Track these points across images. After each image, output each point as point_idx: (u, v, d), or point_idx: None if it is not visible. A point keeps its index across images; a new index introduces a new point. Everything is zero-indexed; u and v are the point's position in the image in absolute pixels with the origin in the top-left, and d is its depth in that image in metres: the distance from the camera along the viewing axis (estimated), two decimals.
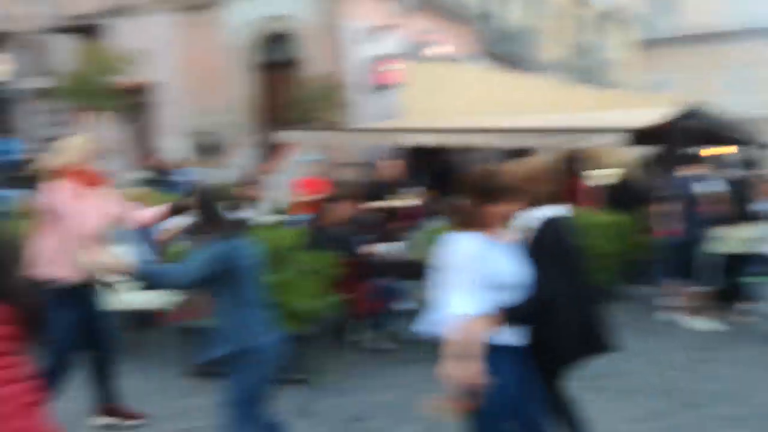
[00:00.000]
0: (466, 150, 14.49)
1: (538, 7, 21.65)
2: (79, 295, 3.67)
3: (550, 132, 9.41)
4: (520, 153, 11.01)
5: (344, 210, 5.77)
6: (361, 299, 5.26)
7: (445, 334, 2.48)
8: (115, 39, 17.73)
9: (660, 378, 5.12)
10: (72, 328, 3.59)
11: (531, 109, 12.24)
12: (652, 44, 29.09)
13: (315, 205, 5.98)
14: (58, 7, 18.78)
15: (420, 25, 16.61)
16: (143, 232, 6.35)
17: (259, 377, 3.04)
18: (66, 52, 17.08)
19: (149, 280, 3.03)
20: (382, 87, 15.47)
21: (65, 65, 15.92)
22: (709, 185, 6.84)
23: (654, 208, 7.43)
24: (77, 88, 15.30)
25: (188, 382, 4.69)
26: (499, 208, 2.59)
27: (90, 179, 3.68)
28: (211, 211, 3.07)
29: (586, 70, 23.43)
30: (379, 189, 7.69)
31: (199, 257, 2.93)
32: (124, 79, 16.05)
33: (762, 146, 14.98)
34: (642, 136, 9.93)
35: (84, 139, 3.70)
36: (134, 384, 4.67)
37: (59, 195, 3.53)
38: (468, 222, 2.60)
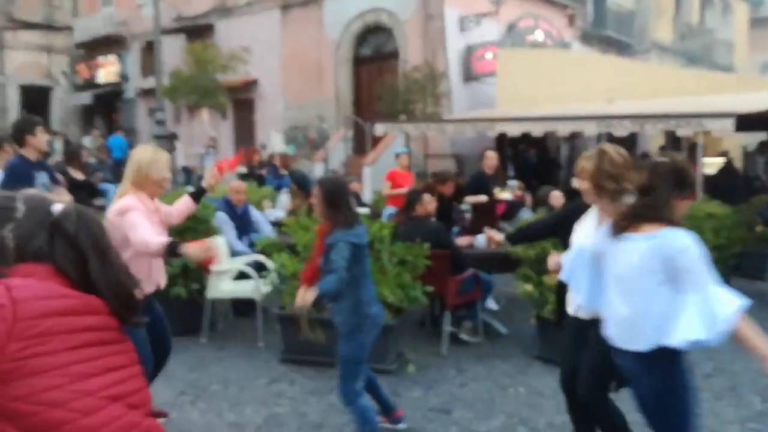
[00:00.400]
0: (566, 138, 14.11)
1: None
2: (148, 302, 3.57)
3: (653, 118, 8.96)
4: (622, 140, 10.61)
5: (434, 201, 5.81)
6: (450, 291, 5.28)
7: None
8: (222, 38, 18.59)
9: None
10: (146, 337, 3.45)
11: (634, 95, 11.73)
12: (766, 23, 26.94)
13: (405, 197, 6.03)
14: (170, 10, 19.87)
15: (518, 11, 16.25)
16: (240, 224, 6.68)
17: (370, 340, 3.45)
18: (176, 52, 18.05)
19: (326, 298, 3.36)
20: (479, 76, 15.29)
21: (175, 65, 16.81)
22: None
23: (764, 198, 6.94)
24: (185, 86, 16.13)
25: (278, 370, 4.90)
26: (685, 203, 2.54)
27: (155, 190, 3.56)
28: (337, 201, 3.34)
29: (693, 52, 22.04)
30: (480, 181, 7.59)
31: (337, 257, 3.22)
32: (230, 76, 16.82)
33: None
34: (754, 121, 9.29)
35: (154, 149, 3.58)
36: (224, 370, 4.95)
37: (129, 207, 3.37)
38: (658, 217, 2.43)
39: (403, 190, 8.55)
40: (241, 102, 19.02)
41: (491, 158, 7.63)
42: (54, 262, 1.32)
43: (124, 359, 1.37)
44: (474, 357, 5.21)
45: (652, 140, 15.27)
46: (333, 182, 3.59)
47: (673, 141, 13.66)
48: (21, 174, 4.28)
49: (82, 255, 1.33)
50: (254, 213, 7.02)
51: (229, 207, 6.61)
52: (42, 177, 4.42)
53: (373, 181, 13.19)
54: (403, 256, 4.98)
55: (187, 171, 16.31)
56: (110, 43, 23.21)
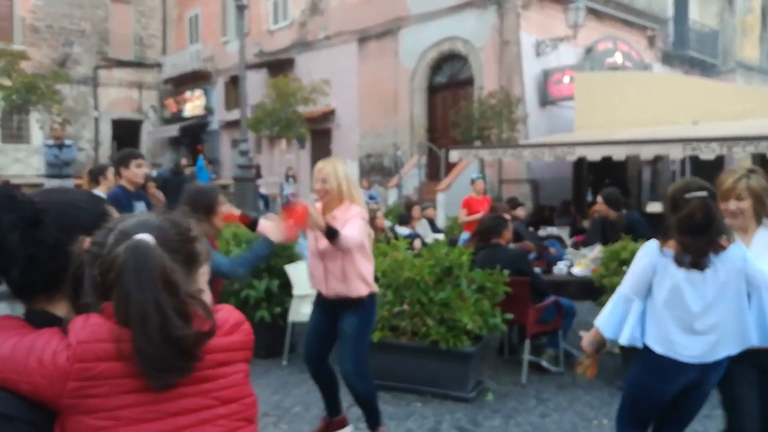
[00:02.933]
0: (647, 162, 13.69)
1: (728, 6, 19.84)
2: None
3: (742, 140, 8.59)
4: (709, 163, 10.21)
5: (511, 229, 5.78)
6: (531, 319, 5.21)
7: None
8: (302, 71, 19.23)
9: None
10: None
11: (720, 116, 11.29)
12: None
13: (479, 223, 6.01)
14: (253, 46, 20.76)
15: (596, 33, 16.03)
16: None
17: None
18: (258, 86, 18.80)
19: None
20: (556, 100, 15.13)
21: (257, 98, 17.50)
22: None
23: None
24: (268, 118, 16.75)
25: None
26: None
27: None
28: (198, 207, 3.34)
29: None
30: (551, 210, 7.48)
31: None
32: (309, 108, 17.34)
33: None
34: None
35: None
36: (306, 392, 5.03)
37: None
38: None
39: (479, 216, 8.54)
40: (318, 132, 19.54)
41: (478, 183, 9.04)
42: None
43: (202, 401, 1.29)
44: (555, 387, 5.10)
45: (741, 163, 14.58)
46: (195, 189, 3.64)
47: (762, 164, 13.00)
48: (120, 204, 4.58)
49: (125, 297, 1.21)
50: None
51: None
52: (140, 206, 4.70)
53: (446, 207, 13.21)
54: (483, 283, 4.97)
55: (266, 199, 16.85)
56: (197, 78, 24.43)
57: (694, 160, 9.27)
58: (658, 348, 2.72)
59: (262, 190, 16.95)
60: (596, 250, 6.18)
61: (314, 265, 3.78)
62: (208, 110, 24.56)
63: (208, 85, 24.45)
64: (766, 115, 10.84)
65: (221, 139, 24.06)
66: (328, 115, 18.96)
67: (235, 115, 19.42)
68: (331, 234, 3.38)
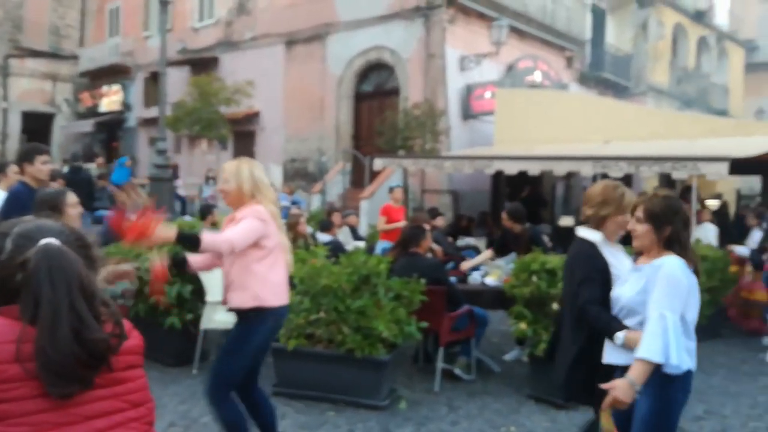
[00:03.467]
0: (561, 178, 14.24)
1: (642, 32, 20.97)
2: None
3: (649, 160, 9.08)
4: (618, 181, 10.72)
5: (430, 238, 5.86)
6: (445, 328, 5.29)
7: None
8: (227, 71, 18.86)
9: (758, 422, 4.81)
10: None
11: (630, 137, 11.89)
12: (760, 68, 27.41)
13: (399, 232, 6.08)
14: (176, 43, 20.20)
15: (517, 52, 16.56)
16: None
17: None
18: (180, 84, 18.30)
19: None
20: (477, 114, 15.51)
21: (178, 96, 17.03)
22: None
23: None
24: (188, 117, 16.32)
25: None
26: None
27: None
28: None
29: (689, 95, 22.38)
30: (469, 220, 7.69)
31: None
32: (231, 109, 17.02)
33: None
34: (747, 165, 9.42)
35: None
36: None
37: None
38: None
39: (398, 224, 8.62)
40: (242, 133, 19.20)
41: (396, 192, 9.30)
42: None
43: (115, 404, 1.27)
44: (466, 395, 5.20)
45: (647, 182, 15.42)
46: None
47: (667, 183, 13.79)
48: (22, 201, 4.32)
49: (36, 298, 1.19)
50: None
51: None
52: None
53: (370, 215, 13.26)
54: (400, 291, 5.01)
55: (183, 201, 16.38)
56: (115, 73, 23.53)
57: (604, 178, 9.70)
58: (689, 363, 2.55)
59: (180, 192, 16.47)
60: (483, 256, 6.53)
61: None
62: (126, 106, 23.68)
63: (127, 81, 23.60)
64: (672, 137, 11.50)
65: (138, 137, 23.25)
66: (252, 117, 18.67)
67: (154, 112, 18.79)
68: (187, 241, 3.09)
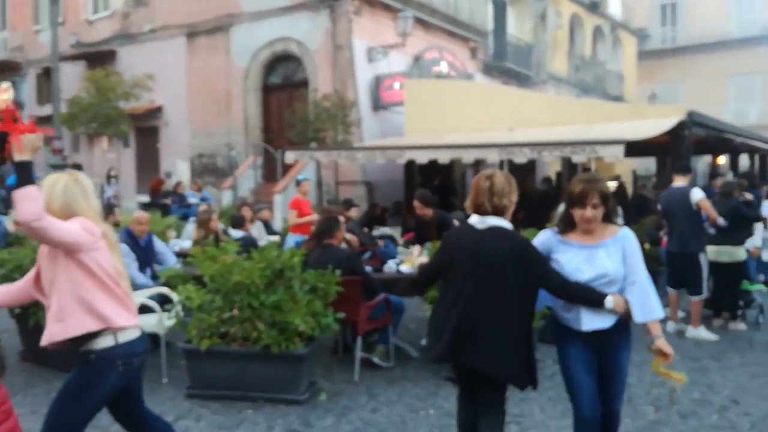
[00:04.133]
0: (470, 165, 14.60)
1: (541, 22, 21.75)
2: None
3: (550, 145, 9.45)
4: (523, 166, 11.10)
5: (344, 229, 5.86)
6: (362, 317, 5.31)
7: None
8: (125, 65, 18.05)
9: (660, 389, 5.13)
10: None
11: (533, 124, 12.33)
12: (652, 55, 29.14)
13: (312, 225, 6.05)
14: (69, 36, 19.14)
15: (423, 43, 16.78)
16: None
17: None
18: (75, 80, 17.36)
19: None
20: (387, 105, 15.61)
21: (74, 92, 16.19)
22: (707, 195, 6.85)
23: (653, 219, 7.45)
24: (84, 114, 15.55)
25: (183, 406, 4.73)
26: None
27: None
28: None
29: (587, 83, 23.47)
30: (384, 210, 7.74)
31: None
32: (133, 104, 16.33)
33: (766, 154, 14.97)
34: (642, 147, 9.98)
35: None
36: None
37: None
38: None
39: (310, 218, 8.57)
40: (144, 129, 18.47)
41: (304, 185, 9.32)
42: None
43: None
44: (386, 382, 5.24)
45: (550, 166, 16.07)
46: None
47: (569, 167, 14.42)
48: None
49: None
50: (158, 244, 6.79)
51: (131, 238, 6.38)
52: None
53: (284, 209, 13.11)
54: (315, 284, 4.97)
55: None
56: (4, 69, 22.03)
57: (510, 163, 10.04)
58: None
59: None
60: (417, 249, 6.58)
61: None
62: (17, 104, 22.07)
63: (17, 77, 22.10)
64: (572, 123, 12.02)
65: None
66: (154, 112, 17.98)
67: (48, 110, 17.70)
68: (24, 172, 2.53)
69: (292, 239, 8.42)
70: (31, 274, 2.89)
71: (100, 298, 2.72)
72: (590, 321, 3.03)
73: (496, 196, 3.05)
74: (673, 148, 10.07)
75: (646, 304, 3.00)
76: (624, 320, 3.06)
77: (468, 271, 3.03)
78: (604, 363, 3.10)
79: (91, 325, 2.69)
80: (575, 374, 3.06)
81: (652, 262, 8.63)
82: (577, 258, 3.04)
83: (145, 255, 6.43)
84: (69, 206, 2.78)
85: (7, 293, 2.98)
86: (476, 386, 3.11)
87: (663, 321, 7.13)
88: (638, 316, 2.99)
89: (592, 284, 3.00)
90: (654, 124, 9.88)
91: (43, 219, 2.52)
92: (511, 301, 2.98)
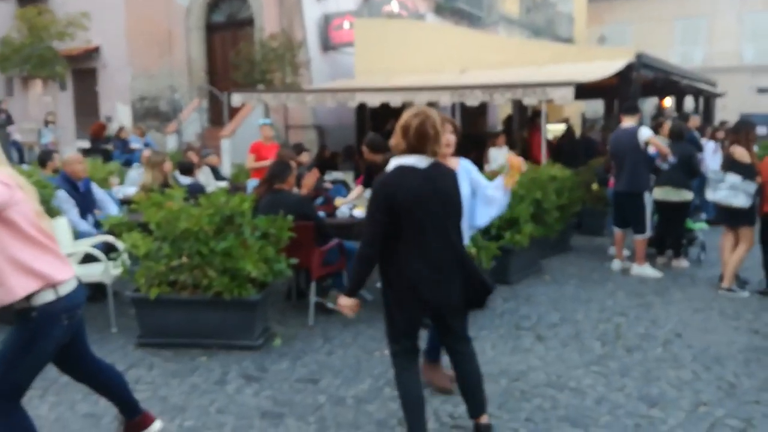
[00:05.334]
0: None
1: None
2: None
3: (501, 87, 9.40)
4: (475, 109, 11.06)
5: (294, 174, 5.73)
6: (316, 262, 5.26)
7: None
8: (58, 3, 16.99)
9: (607, 324, 5.30)
10: None
11: (485, 65, 12.22)
12: None
13: (266, 170, 5.89)
14: None
15: None
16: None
17: None
18: (6, 19, 16.31)
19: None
20: (337, 46, 15.21)
21: (4, 32, 15.24)
22: (653, 136, 6.96)
23: (601, 161, 7.55)
24: (17, 56, 14.70)
25: (134, 355, 4.65)
26: None
27: None
28: None
29: (538, 24, 23.38)
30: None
31: None
32: (68, 44, 15.47)
33: (710, 96, 15.31)
34: (590, 90, 10.04)
35: None
36: None
37: None
38: None
39: (268, 162, 8.37)
40: (81, 71, 17.58)
41: (266, 129, 9.05)
42: None
43: None
44: (341, 325, 5.25)
45: (501, 108, 16.08)
46: None
47: (519, 109, 14.44)
48: None
49: None
50: (97, 191, 6.52)
51: (69, 182, 6.06)
52: None
53: (232, 154, 12.79)
54: (266, 230, 4.87)
55: (20, 147, 14.87)
56: None
57: (462, 106, 9.96)
58: None
59: (16, 137, 14.92)
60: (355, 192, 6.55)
61: None
62: None
63: None
64: (522, 65, 11.95)
65: None
66: (92, 53, 17.09)
67: None
68: None
69: (252, 184, 8.25)
70: None
71: (34, 255, 2.58)
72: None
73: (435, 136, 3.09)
74: (622, 90, 10.15)
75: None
76: None
77: (428, 213, 2.98)
78: None
79: (33, 285, 2.58)
80: None
81: (599, 202, 8.86)
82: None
83: (84, 200, 6.14)
84: None
85: None
86: (447, 320, 3.20)
87: (609, 259, 7.37)
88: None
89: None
90: (603, 66, 9.90)
91: None
92: (460, 230, 3.13)
